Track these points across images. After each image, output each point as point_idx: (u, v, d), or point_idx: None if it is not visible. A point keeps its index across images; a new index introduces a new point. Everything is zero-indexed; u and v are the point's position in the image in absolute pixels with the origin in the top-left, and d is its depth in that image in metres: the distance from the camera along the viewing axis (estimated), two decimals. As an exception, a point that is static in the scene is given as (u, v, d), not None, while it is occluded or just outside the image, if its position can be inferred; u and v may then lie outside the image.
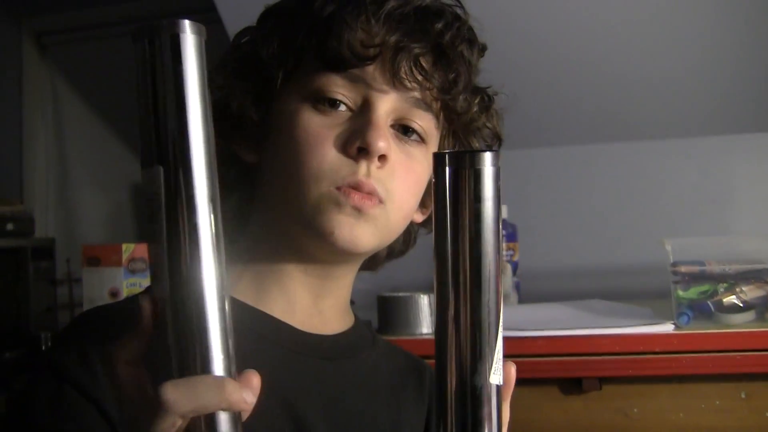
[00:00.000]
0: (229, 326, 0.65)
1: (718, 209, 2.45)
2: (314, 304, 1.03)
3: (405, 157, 0.98)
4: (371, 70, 0.96)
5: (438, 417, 0.71)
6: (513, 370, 0.76)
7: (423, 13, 0.98)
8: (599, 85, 2.34)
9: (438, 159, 0.69)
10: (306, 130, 0.95)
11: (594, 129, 2.47)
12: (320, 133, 0.95)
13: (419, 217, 1.09)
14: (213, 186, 0.64)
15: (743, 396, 1.69)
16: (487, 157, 0.68)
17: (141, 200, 0.64)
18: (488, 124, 1.07)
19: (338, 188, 0.94)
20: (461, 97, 1.01)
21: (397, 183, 0.97)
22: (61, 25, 3.58)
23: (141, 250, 2.23)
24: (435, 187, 0.69)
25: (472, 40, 1.03)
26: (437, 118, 1.01)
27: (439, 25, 0.98)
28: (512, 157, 2.54)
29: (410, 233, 1.11)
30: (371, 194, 0.94)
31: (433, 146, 1.02)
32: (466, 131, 1.05)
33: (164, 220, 0.62)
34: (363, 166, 0.94)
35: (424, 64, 0.97)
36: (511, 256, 2.25)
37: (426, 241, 2.51)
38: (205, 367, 0.63)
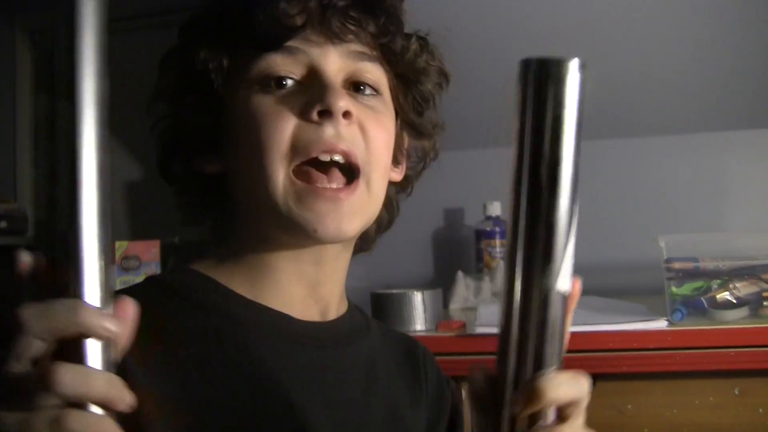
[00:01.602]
0: (107, 240, 0.64)
1: (712, 206, 2.45)
2: (311, 293, 1.02)
3: (369, 111, 0.98)
4: (306, 36, 0.95)
5: (502, 324, 0.71)
6: (579, 284, 0.75)
7: None
8: (593, 82, 2.33)
9: (524, 64, 0.69)
10: (259, 112, 0.94)
11: (587, 126, 2.46)
12: (274, 109, 0.93)
13: (396, 176, 1.08)
14: (103, 112, 0.63)
15: (737, 392, 1.69)
16: (573, 65, 0.70)
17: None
18: (432, 63, 1.07)
19: (304, 176, 0.92)
20: (398, 39, 1.01)
21: (371, 140, 0.96)
22: (54, 22, 3.57)
23: (134, 248, 2.23)
24: (520, 91, 0.69)
25: None
26: (383, 65, 1.01)
27: None
28: (506, 154, 2.53)
29: (391, 202, 1.10)
30: (347, 157, 0.93)
31: (388, 96, 1.02)
32: (411, 72, 1.05)
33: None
34: (329, 128, 0.92)
35: (353, 15, 0.97)
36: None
37: (418, 240, 2.51)
38: (77, 289, 0.62)
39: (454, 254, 2.59)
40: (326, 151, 0.92)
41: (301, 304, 1.01)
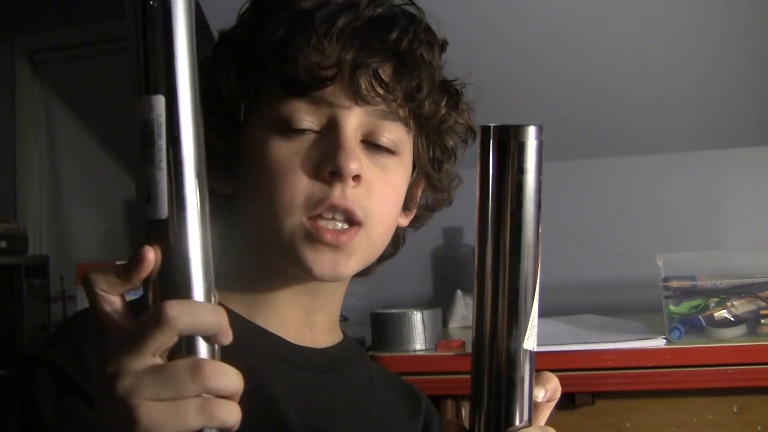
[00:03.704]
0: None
1: (710, 224, 2.45)
2: (305, 320, 1.03)
3: (380, 171, 0.97)
4: (332, 90, 0.95)
5: (473, 380, 0.73)
6: (556, 384, 0.78)
7: (376, 24, 0.97)
8: (591, 101, 2.35)
9: (484, 132, 0.71)
10: (275, 159, 0.95)
11: (585, 144, 2.47)
12: (289, 160, 0.94)
13: (404, 221, 1.08)
14: (200, 115, 0.67)
15: (735, 410, 1.70)
16: (531, 131, 0.70)
17: (133, 127, 0.66)
18: (459, 120, 1.05)
19: (311, 219, 0.93)
20: (427, 103, 0.99)
21: (376, 199, 0.96)
22: (53, 42, 3.59)
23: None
24: (480, 158, 0.71)
25: (430, 40, 1.01)
26: (407, 124, 1.00)
27: (395, 34, 0.97)
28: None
29: (398, 235, 1.09)
30: (349, 215, 0.94)
31: (407, 153, 1.01)
32: (437, 132, 1.04)
33: (165, 145, 0.65)
34: (337, 188, 0.93)
35: (384, 76, 0.96)
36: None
37: (417, 261, 2.50)
38: (189, 289, 0.65)
39: (453, 273, 2.60)
40: (330, 209, 0.93)
41: (295, 329, 1.02)
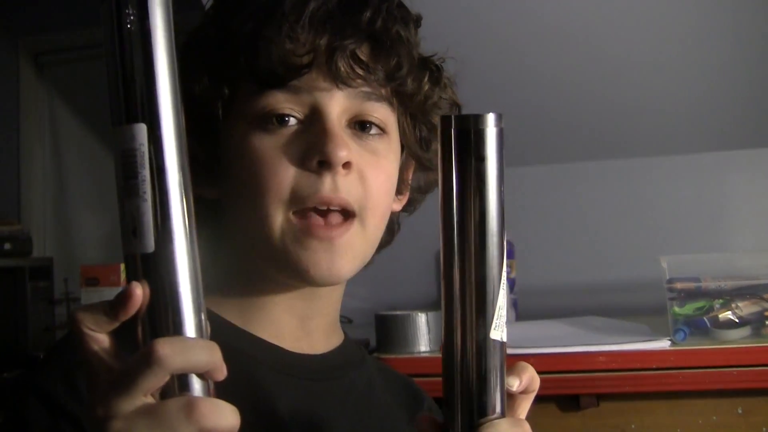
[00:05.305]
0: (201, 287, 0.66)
1: (714, 225, 2.45)
2: (301, 326, 1.00)
3: (370, 156, 0.95)
4: (311, 76, 0.92)
5: (444, 372, 0.73)
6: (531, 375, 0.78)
7: (348, 5, 0.95)
8: (594, 103, 2.35)
9: (444, 121, 0.71)
10: (258, 154, 0.92)
11: (589, 146, 2.48)
12: (274, 153, 0.91)
13: (398, 206, 1.05)
14: (184, 143, 0.66)
15: (740, 411, 1.70)
16: (491, 119, 0.70)
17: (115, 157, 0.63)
18: (443, 96, 1.03)
19: (299, 215, 0.91)
20: (409, 80, 0.97)
21: (369, 187, 0.94)
22: (57, 45, 3.60)
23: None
24: (441, 148, 0.71)
25: (405, 17, 0.99)
26: (391, 104, 0.97)
27: (368, 14, 0.94)
28: (508, 174, 2.53)
29: (392, 221, 1.06)
30: (342, 207, 0.92)
31: (394, 133, 0.99)
32: (422, 110, 1.01)
33: (149, 176, 0.63)
34: (327, 179, 0.90)
35: (362, 57, 0.94)
36: (509, 273, 2.25)
37: (422, 262, 2.50)
38: (180, 325, 0.63)
39: (457, 274, 2.59)
40: (323, 203, 0.91)
41: (291, 336, 0.99)
